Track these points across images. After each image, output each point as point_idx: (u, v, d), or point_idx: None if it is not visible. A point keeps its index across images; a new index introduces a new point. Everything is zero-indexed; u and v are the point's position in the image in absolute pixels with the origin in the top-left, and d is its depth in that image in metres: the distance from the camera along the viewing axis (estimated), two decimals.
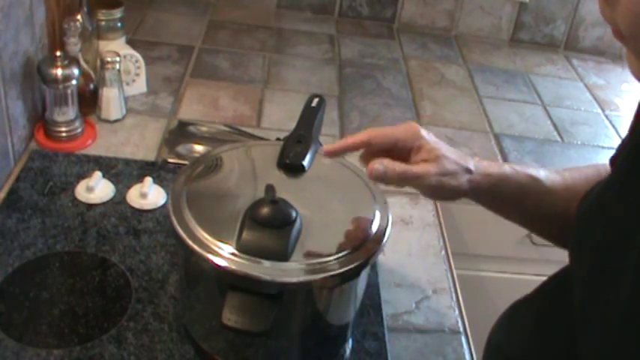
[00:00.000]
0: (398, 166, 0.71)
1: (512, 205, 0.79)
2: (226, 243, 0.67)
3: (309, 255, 0.69)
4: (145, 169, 1.10)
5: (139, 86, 1.32)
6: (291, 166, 0.80)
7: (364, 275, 0.77)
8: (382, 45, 1.74)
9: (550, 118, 1.52)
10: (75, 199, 1.02)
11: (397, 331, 0.91)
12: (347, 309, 0.78)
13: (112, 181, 1.06)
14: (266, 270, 0.66)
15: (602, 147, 1.44)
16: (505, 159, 1.34)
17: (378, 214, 0.76)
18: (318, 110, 0.89)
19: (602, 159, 1.26)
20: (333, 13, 1.85)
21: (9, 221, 0.96)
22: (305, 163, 0.81)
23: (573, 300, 0.61)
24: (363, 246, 0.71)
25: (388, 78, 1.57)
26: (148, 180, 1.05)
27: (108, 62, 1.16)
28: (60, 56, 1.07)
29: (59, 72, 1.07)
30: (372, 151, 0.75)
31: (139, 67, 1.30)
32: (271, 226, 0.68)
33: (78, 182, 1.04)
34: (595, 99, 1.65)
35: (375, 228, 0.74)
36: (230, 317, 0.64)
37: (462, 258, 1.23)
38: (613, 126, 1.53)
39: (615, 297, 0.54)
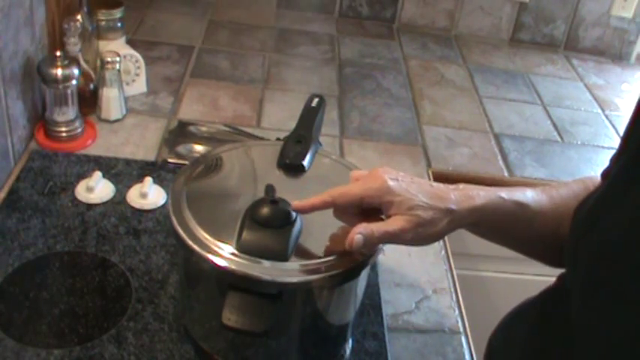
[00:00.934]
0: (376, 231, 0.68)
1: (500, 234, 0.77)
2: (226, 243, 0.67)
3: (309, 255, 0.69)
4: (145, 169, 1.10)
5: (139, 86, 1.32)
6: (291, 166, 0.80)
7: (364, 275, 0.76)
8: (382, 45, 1.74)
9: (550, 118, 1.52)
10: (75, 199, 1.02)
11: (397, 331, 0.91)
12: (347, 309, 0.78)
13: (112, 181, 1.06)
14: (266, 270, 0.66)
15: (602, 147, 1.44)
16: (505, 159, 1.34)
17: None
18: (318, 110, 0.89)
19: (602, 159, 1.26)
20: (333, 13, 1.85)
21: (9, 221, 0.96)
22: (305, 163, 0.81)
23: (571, 306, 0.61)
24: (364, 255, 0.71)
25: (388, 78, 1.57)
26: (148, 180, 1.05)
27: (108, 62, 1.16)
28: (60, 56, 1.07)
29: (59, 72, 1.07)
30: (340, 208, 0.73)
31: (139, 67, 1.30)
32: (271, 226, 0.68)
33: (78, 182, 1.04)
34: (595, 99, 1.65)
35: None
36: (230, 317, 0.64)
37: (462, 258, 1.23)
38: (613, 126, 1.53)
39: (612, 311, 0.54)
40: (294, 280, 0.67)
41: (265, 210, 0.69)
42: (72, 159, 1.10)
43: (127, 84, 1.28)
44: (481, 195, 0.71)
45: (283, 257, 0.67)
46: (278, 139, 0.88)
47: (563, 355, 0.63)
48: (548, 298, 0.73)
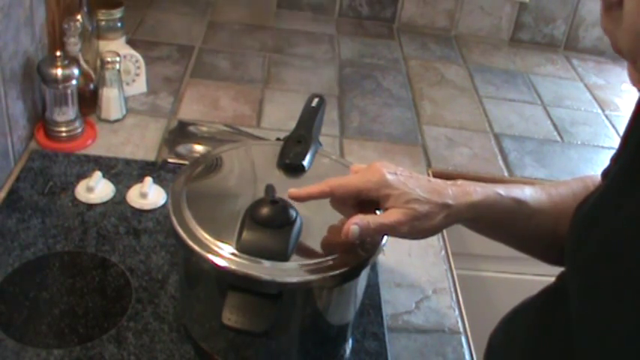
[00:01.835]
0: (372, 222, 0.68)
1: (498, 230, 0.77)
2: (226, 243, 0.67)
3: (309, 255, 0.69)
4: (145, 169, 1.10)
5: (139, 86, 1.32)
6: (291, 166, 0.80)
7: (364, 275, 0.76)
8: (382, 45, 1.74)
9: (550, 118, 1.52)
10: (75, 199, 1.02)
11: (397, 331, 0.91)
12: (347, 309, 0.78)
13: (112, 181, 1.06)
14: (266, 270, 0.66)
15: (602, 147, 1.44)
16: (505, 159, 1.34)
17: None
18: (318, 110, 0.89)
19: (602, 159, 1.26)
20: (333, 13, 1.85)
21: (9, 221, 0.96)
22: (305, 163, 0.81)
23: (571, 309, 0.61)
24: (362, 246, 0.71)
25: (388, 78, 1.57)
26: (148, 180, 1.05)
27: (108, 62, 1.16)
28: (60, 56, 1.07)
29: (59, 72, 1.07)
30: (338, 199, 0.73)
31: (139, 67, 1.30)
32: (271, 226, 0.68)
33: (78, 182, 1.04)
34: (595, 99, 1.65)
35: None
36: (230, 317, 0.64)
37: (462, 258, 1.23)
38: (613, 126, 1.53)
39: (612, 310, 0.54)
40: (294, 280, 0.67)
41: (265, 210, 0.69)
42: (72, 159, 1.10)
43: (127, 84, 1.28)
44: (479, 191, 0.71)
45: (283, 257, 0.67)
46: (278, 139, 0.88)
47: (563, 355, 0.63)
48: (547, 297, 0.73)
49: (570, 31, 1.86)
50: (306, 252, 0.69)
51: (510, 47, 1.86)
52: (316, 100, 0.90)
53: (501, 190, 0.72)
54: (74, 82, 1.09)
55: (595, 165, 1.36)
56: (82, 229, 0.97)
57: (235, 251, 0.67)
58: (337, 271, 0.68)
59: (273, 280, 0.65)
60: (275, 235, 0.68)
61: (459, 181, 0.72)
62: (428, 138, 1.36)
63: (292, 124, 0.86)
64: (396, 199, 0.69)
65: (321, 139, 0.89)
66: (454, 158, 1.31)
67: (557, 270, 0.73)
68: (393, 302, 0.95)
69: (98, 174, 1.04)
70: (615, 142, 1.45)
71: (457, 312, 0.96)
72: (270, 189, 0.72)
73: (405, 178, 0.70)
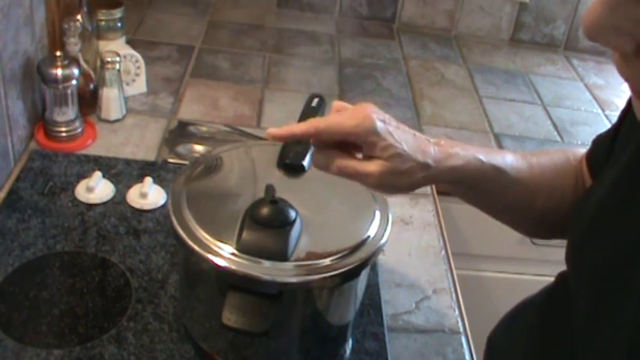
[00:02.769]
0: (339, 160, 0.67)
1: (473, 196, 0.76)
2: (226, 243, 0.67)
3: (309, 255, 0.69)
4: (145, 169, 1.10)
5: (139, 86, 1.32)
6: (291, 166, 0.80)
7: (364, 275, 0.77)
8: (382, 45, 1.74)
9: (550, 118, 1.52)
10: (75, 199, 1.02)
11: (397, 331, 0.91)
12: (347, 309, 0.78)
13: (112, 181, 1.06)
14: (266, 270, 0.66)
15: None
16: None
17: (378, 214, 0.76)
18: (318, 110, 0.88)
19: None
20: (333, 13, 1.85)
21: (9, 221, 0.96)
22: (305, 163, 0.80)
23: (574, 310, 0.61)
24: (363, 246, 0.71)
25: (388, 78, 1.57)
26: (148, 180, 1.04)
27: (108, 62, 1.16)
28: (60, 56, 1.07)
29: (59, 72, 1.07)
30: (323, 142, 0.69)
31: (139, 67, 1.30)
32: (271, 226, 0.68)
33: (78, 182, 1.04)
34: (595, 99, 1.65)
35: (375, 228, 0.74)
36: (230, 317, 0.64)
37: (462, 258, 1.23)
38: None
39: (615, 311, 0.54)
40: (294, 280, 0.67)
41: (265, 210, 0.69)
42: (72, 159, 1.10)
43: (127, 84, 1.28)
44: (460, 155, 0.70)
45: (283, 257, 0.67)
46: None
47: (565, 355, 0.63)
48: (548, 297, 0.73)
49: (570, 31, 1.86)
50: (306, 252, 0.69)
51: (510, 47, 1.86)
52: (316, 100, 0.90)
53: (482, 155, 0.70)
54: (74, 82, 1.09)
55: None
56: (82, 229, 0.97)
57: (235, 251, 0.67)
58: (337, 271, 0.68)
59: (273, 280, 0.65)
60: (275, 235, 0.68)
61: (442, 141, 0.71)
62: None
63: (292, 124, 0.85)
64: (381, 150, 0.67)
65: None
66: None
67: (557, 270, 0.73)
68: (393, 302, 0.95)
69: (98, 174, 1.04)
70: None
71: (457, 312, 0.96)
72: (270, 189, 0.72)
73: (392, 128, 0.68)
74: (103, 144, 1.17)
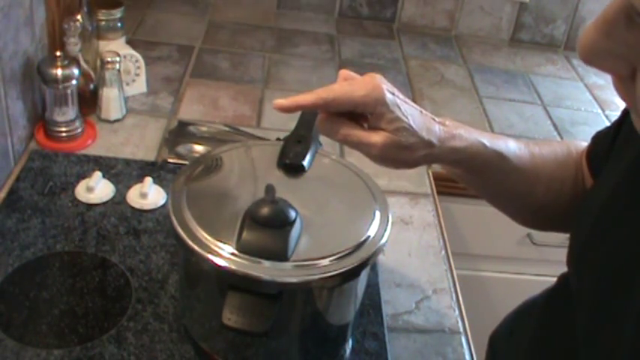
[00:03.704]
0: (345, 128, 0.67)
1: (473, 180, 0.76)
2: (226, 243, 0.67)
3: (309, 255, 0.69)
4: (145, 169, 1.10)
5: (139, 86, 1.32)
6: (291, 166, 0.80)
7: (364, 275, 0.76)
8: (382, 45, 1.74)
9: (550, 118, 1.52)
10: (75, 199, 1.02)
11: (397, 331, 0.91)
12: (347, 309, 0.78)
13: (112, 181, 1.06)
14: (266, 270, 0.66)
15: None
16: None
17: (378, 214, 0.76)
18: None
19: None
20: (333, 13, 1.85)
21: (9, 221, 0.96)
22: (305, 163, 0.80)
23: (576, 311, 0.61)
24: (363, 246, 0.71)
25: (388, 78, 1.54)
26: (148, 180, 1.04)
27: (108, 62, 1.16)
28: (60, 56, 1.07)
29: (59, 72, 1.07)
30: (330, 112, 0.69)
31: (139, 67, 1.30)
32: (271, 226, 0.68)
33: (78, 182, 1.04)
34: (595, 99, 1.65)
35: (375, 228, 0.74)
36: (230, 317, 0.64)
37: (462, 258, 1.23)
38: None
39: (618, 313, 0.54)
40: (294, 280, 0.67)
41: (265, 210, 0.69)
42: (72, 159, 1.10)
43: (127, 84, 1.28)
44: (464, 137, 0.70)
45: (283, 257, 0.67)
46: (278, 139, 0.87)
47: (568, 356, 0.63)
48: (551, 298, 0.73)
49: (570, 31, 1.86)
50: (306, 252, 0.69)
51: (510, 47, 1.86)
52: None
53: (486, 140, 0.70)
54: (74, 82, 1.09)
55: None
56: (82, 229, 0.97)
57: (235, 251, 0.67)
58: (337, 271, 0.68)
59: (273, 280, 0.65)
60: (275, 235, 0.68)
61: (447, 121, 0.71)
62: None
63: (292, 124, 0.85)
64: (387, 123, 0.66)
65: (321, 139, 0.89)
66: None
67: (558, 270, 0.73)
68: (393, 302, 0.95)
69: (98, 174, 1.04)
70: None
71: (457, 312, 0.96)
72: (270, 189, 0.72)
73: (400, 102, 0.68)
74: (103, 144, 1.17)
